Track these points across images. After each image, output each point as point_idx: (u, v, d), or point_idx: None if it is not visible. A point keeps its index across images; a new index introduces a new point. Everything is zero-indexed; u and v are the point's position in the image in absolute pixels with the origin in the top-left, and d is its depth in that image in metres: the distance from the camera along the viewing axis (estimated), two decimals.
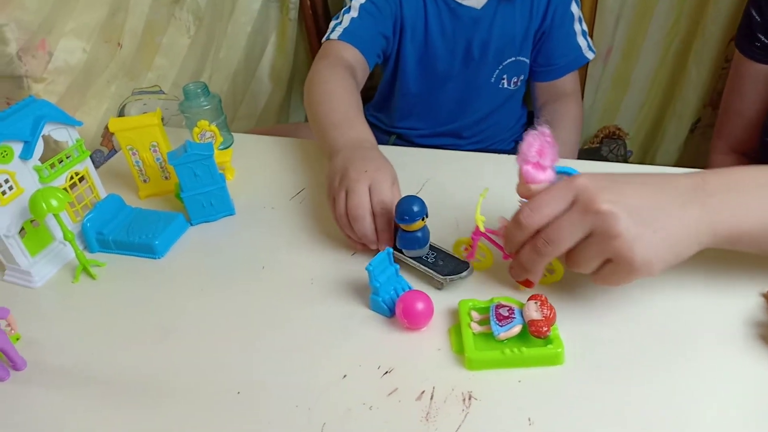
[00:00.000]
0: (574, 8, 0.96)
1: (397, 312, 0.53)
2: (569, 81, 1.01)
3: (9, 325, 0.53)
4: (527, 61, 0.99)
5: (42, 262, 0.64)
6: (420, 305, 0.53)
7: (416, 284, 0.59)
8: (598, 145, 1.19)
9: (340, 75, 0.83)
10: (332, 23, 0.94)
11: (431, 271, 0.58)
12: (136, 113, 0.88)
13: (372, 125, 1.11)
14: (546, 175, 0.51)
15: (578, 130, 1.00)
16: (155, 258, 0.65)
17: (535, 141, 0.51)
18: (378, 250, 0.58)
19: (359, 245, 0.62)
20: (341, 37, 0.90)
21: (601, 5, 1.05)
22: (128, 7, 0.83)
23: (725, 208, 0.47)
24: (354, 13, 0.93)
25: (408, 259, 0.60)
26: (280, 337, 0.54)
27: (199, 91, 0.77)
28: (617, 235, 0.44)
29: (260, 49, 1.08)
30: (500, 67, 0.98)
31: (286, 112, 1.19)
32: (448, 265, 0.58)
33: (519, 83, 1.01)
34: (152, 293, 0.61)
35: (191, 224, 0.70)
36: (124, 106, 0.85)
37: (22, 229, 0.63)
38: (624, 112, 1.19)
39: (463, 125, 1.05)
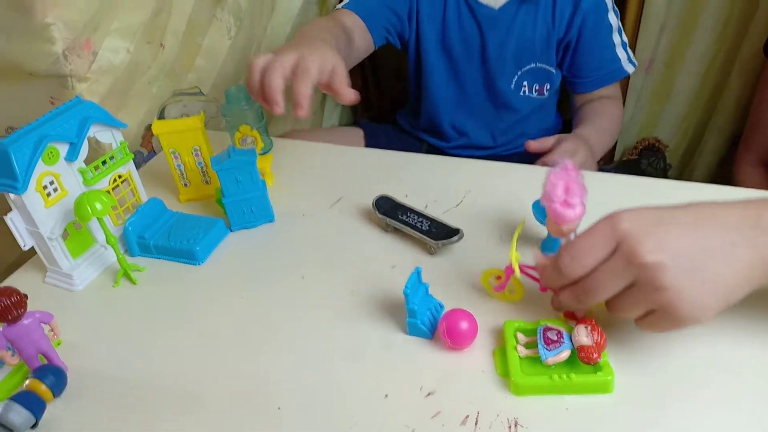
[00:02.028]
0: (612, 18, 0.93)
1: (440, 331, 0.52)
2: (609, 89, 0.98)
3: (52, 330, 0.53)
4: (552, 70, 0.96)
5: (83, 264, 0.64)
6: (464, 324, 0.51)
7: (409, 250, 0.64)
8: (636, 157, 1.17)
9: (328, 23, 0.85)
10: None
11: (425, 237, 0.63)
12: (176, 114, 0.87)
13: (404, 132, 1.10)
14: (576, 213, 0.50)
15: (615, 125, 0.96)
16: (195, 264, 0.65)
17: (559, 180, 0.50)
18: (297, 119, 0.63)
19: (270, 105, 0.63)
20: (346, 5, 0.92)
21: (645, 14, 1.02)
22: (171, 7, 0.83)
23: None
24: None
25: (403, 226, 0.65)
26: (320, 352, 0.54)
27: (241, 95, 0.77)
28: (662, 288, 0.42)
29: None
30: (519, 73, 0.96)
31: (321, 115, 1.19)
32: (440, 232, 0.63)
33: (546, 92, 0.98)
34: (192, 300, 0.61)
35: (231, 230, 0.70)
36: (164, 108, 0.85)
37: (65, 230, 0.63)
38: (664, 124, 1.17)
39: (492, 133, 1.03)
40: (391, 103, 1.12)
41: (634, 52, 1.05)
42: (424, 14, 0.96)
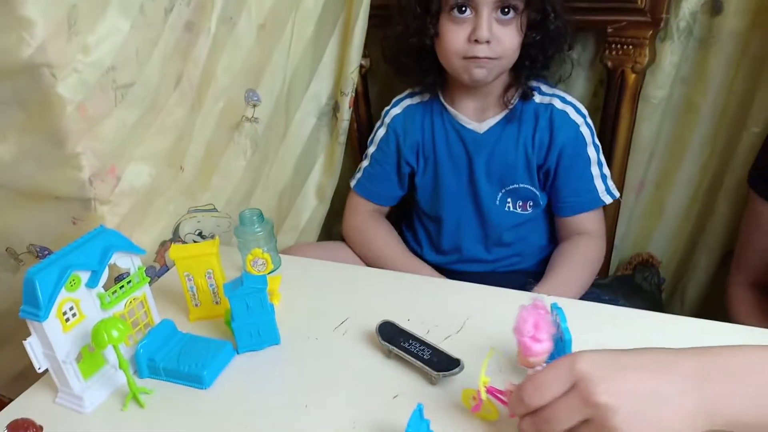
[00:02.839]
0: (592, 152, 0.98)
1: None
2: (588, 220, 1.01)
3: None
4: (535, 190, 1.01)
5: (94, 386, 0.66)
6: None
7: (411, 379, 0.66)
8: (631, 272, 1.20)
9: (374, 224, 1.10)
10: (360, 165, 1.13)
11: (426, 367, 0.65)
12: (190, 230, 0.92)
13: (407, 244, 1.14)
14: (543, 347, 0.55)
15: (586, 270, 0.99)
16: (202, 388, 0.67)
17: (529, 316, 0.56)
18: None
19: None
20: (357, 188, 1.12)
21: (634, 144, 1.09)
22: (192, 133, 0.89)
23: (724, 398, 0.47)
24: (366, 162, 1.11)
25: (405, 354, 0.67)
26: None
27: (254, 218, 0.82)
28: (612, 429, 0.46)
29: (308, 168, 1.14)
30: (503, 191, 1.02)
31: (328, 227, 1.24)
32: (441, 362, 0.66)
33: (529, 208, 1.03)
34: (197, 426, 0.62)
35: (237, 352, 0.72)
36: (179, 224, 0.89)
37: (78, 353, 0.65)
38: (657, 241, 1.21)
39: (484, 246, 1.07)
40: (396, 215, 1.17)
41: (624, 176, 1.11)
42: (419, 142, 1.05)
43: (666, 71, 1.03)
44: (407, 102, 1.07)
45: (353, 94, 1.10)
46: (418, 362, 0.66)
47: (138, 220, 0.84)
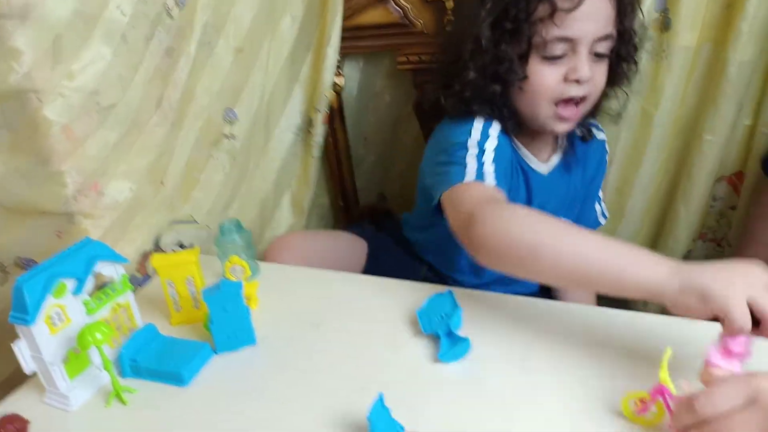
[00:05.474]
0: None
1: None
2: None
3: None
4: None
5: (79, 386, 0.70)
6: None
7: (376, 371, 0.69)
8: None
9: (526, 213, 0.76)
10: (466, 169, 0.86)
11: None
12: (171, 241, 0.97)
13: (407, 246, 1.14)
14: (731, 365, 0.52)
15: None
16: (181, 386, 0.71)
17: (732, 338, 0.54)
18: None
19: None
20: (477, 177, 0.84)
21: None
22: (173, 151, 0.94)
23: None
24: (489, 165, 0.86)
25: None
26: None
27: (233, 227, 0.87)
28: None
29: (287, 181, 1.20)
30: None
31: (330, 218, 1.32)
32: None
33: None
34: (177, 421, 0.67)
35: (216, 353, 0.76)
36: (160, 236, 0.94)
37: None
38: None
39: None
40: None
41: None
42: None
43: None
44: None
45: (327, 111, 1.16)
46: None
47: (121, 232, 0.88)
